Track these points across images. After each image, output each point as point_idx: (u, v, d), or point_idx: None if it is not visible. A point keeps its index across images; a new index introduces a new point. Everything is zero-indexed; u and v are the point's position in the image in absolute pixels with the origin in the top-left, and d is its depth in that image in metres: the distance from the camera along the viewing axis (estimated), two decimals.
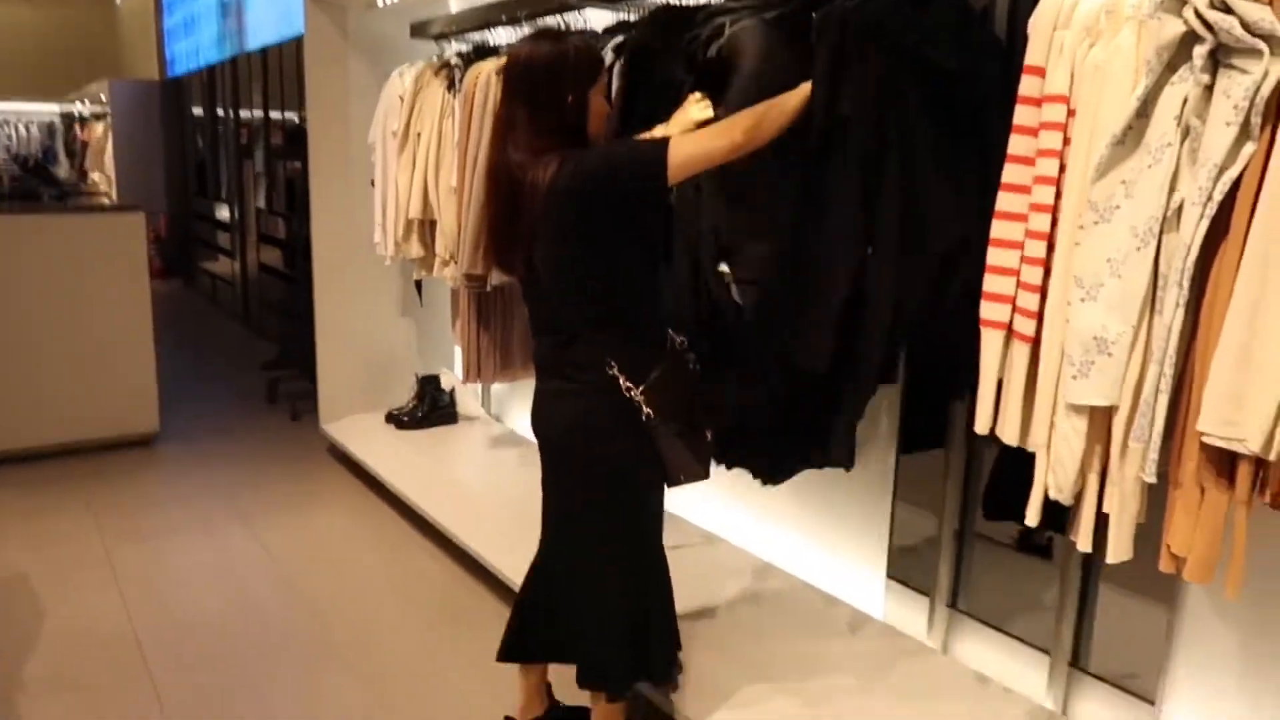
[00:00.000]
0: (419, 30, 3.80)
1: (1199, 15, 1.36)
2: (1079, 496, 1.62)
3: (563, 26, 3.17)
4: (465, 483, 3.61)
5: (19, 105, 11.84)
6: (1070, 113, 1.57)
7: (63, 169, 11.90)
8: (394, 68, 3.78)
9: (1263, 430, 1.35)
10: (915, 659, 2.33)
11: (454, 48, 3.88)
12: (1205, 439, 1.40)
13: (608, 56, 2.48)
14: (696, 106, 2.03)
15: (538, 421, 2.05)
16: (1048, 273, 1.61)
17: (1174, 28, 1.39)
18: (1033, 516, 1.67)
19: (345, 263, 4.19)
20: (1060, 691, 2.14)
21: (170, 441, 4.47)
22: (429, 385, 4.12)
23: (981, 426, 1.72)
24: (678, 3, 2.49)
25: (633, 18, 2.88)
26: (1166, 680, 1.97)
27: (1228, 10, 1.33)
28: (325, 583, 3.10)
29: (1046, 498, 1.65)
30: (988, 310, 1.69)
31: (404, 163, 3.57)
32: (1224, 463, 1.44)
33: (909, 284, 1.92)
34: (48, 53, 11.74)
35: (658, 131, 2.03)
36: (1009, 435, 1.68)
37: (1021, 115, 1.63)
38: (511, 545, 2.94)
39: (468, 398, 4.27)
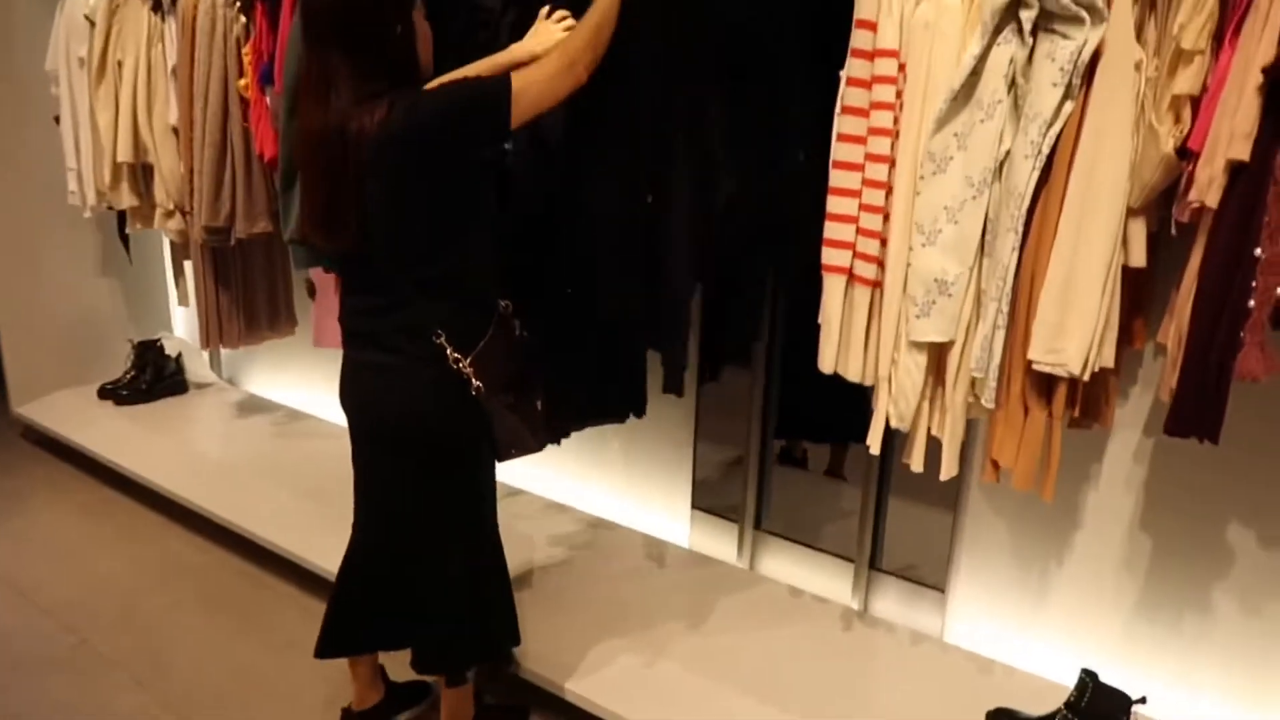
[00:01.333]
0: None
1: None
2: (912, 423, 1.78)
3: None
4: (214, 457, 3.25)
5: None
6: (901, 67, 1.67)
7: None
8: None
9: (1080, 355, 1.56)
10: (731, 581, 2.47)
11: None
12: (1035, 366, 1.59)
13: None
14: (559, 26, 1.83)
15: (353, 396, 1.86)
16: (886, 219, 1.72)
17: None
18: (874, 444, 1.81)
19: (25, 214, 3.53)
20: (863, 593, 2.38)
21: None
22: (149, 352, 3.63)
23: (826, 365, 1.82)
24: None
25: None
26: (953, 570, 2.25)
27: None
28: (70, 592, 2.69)
29: (887, 426, 1.79)
30: (829, 256, 1.78)
31: (104, 97, 3.06)
32: (1044, 386, 1.64)
33: (694, 231, 1.97)
34: None
35: (501, 60, 1.81)
36: (852, 372, 1.79)
37: (854, 68, 1.71)
38: (288, 520, 2.74)
39: (195, 362, 3.82)
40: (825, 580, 2.45)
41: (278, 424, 3.46)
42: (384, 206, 1.67)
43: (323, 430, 3.37)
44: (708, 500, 2.66)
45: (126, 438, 3.34)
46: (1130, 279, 1.60)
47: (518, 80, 1.65)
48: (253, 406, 3.65)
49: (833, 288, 1.78)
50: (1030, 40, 1.52)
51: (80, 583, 2.74)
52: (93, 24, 3.04)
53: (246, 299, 3.18)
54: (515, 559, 2.47)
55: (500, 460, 1.89)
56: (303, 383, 3.56)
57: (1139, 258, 1.57)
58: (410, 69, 1.70)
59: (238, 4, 2.75)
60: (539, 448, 1.91)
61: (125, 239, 3.47)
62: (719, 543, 2.63)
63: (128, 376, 3.63)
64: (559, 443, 2.22)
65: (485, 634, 1.99)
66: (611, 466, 2.80)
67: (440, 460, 1.83)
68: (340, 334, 1.84)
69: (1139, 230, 1.56)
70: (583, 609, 2.32)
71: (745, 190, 2.01)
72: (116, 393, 3.60)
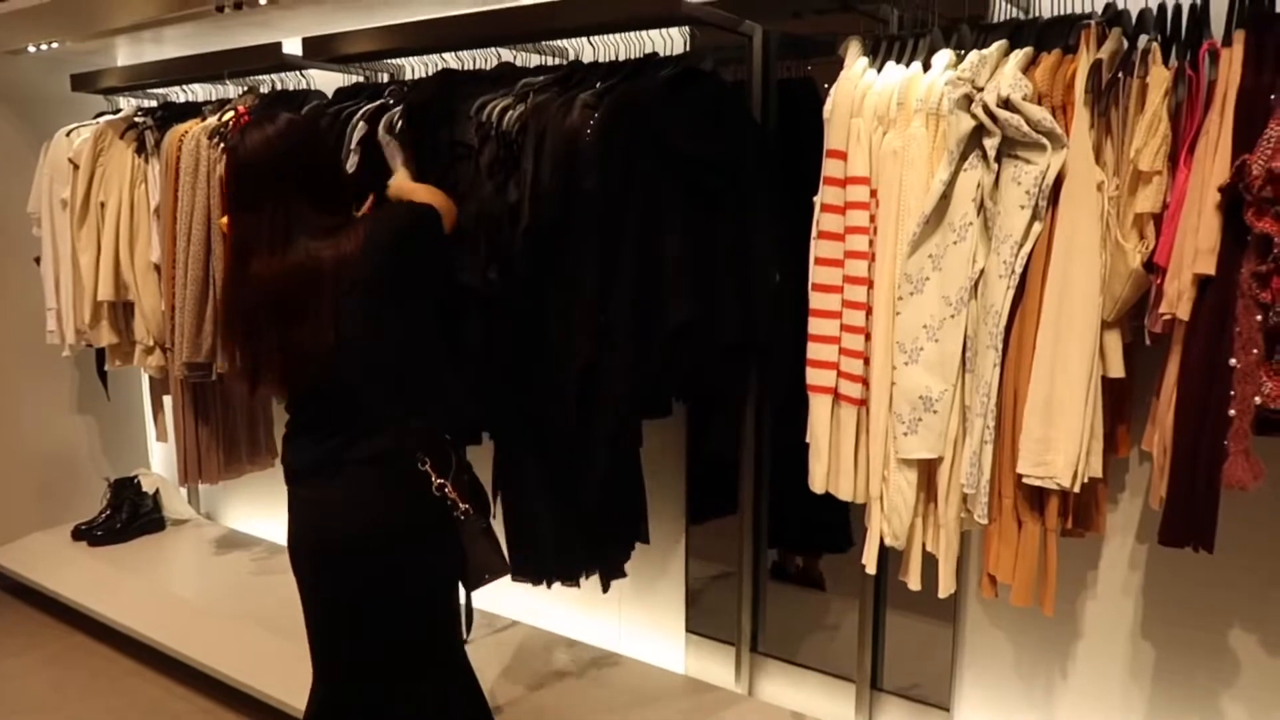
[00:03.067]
0: (84, 83, 3.31)
1: (988, 111, 1.56)
2: (908, 541, 1.77)
3: (275, 87, 2.94)
4: (191, 598, 3.16)
5: None
6: (873, 193, 1.72)
7: None
8: (53, 124, 3.27)
9: (1069, 467, 1.57)
10: (731, 708, 2.40)
11: (129, 104, 3.44)
12: (1025, 480, 1.60)
13: (359, 126, 2.34)
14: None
15: (312, 536, 1.79)
16: (868, 339, 1.74)
17: (966, 123, 1.58)
18: (870, 564, 1.80)
19: (4, 353, 3.52)
20: (866, 716, 2.32)
21: None
22: (126, 490, 3.56)
23: (817, 485, 1.82)
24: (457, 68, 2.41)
25: (368, 78, 2.75)
26: (956, 687, 2.21)
27: (1013, 109, 1.54)
28: None
29: (882, 544, 1.78)
30: (813, 376, 1.79)
31: (86, 237, 3.08)
32: (1036, 498, 1.64)
33: (641, 355, 1.96)
34: None
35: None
36: (844, 491, 1.79)
37: (828, 195, 1.76)
38: (269, 663, 2.64)
39: (173, 498, 3.75)
40: (827, 702, 2.39)
41: (257, 559, 3.38)
42: (362, 326, 1.70)
43: None
44: (702, 623, 2.61)
45: (100, 581, 3.24)
46: (1110, 388, 1.62)
47: (435, 201, 1.88)
48: (231, 542, 3.57)
49: (819, 407, 1.80)
50: (995, 166, 1.58)
51: None
52: (76, 167, 3.09)
53: (226, 433, 3.13)
54: (508, 692, 2.42)
55: (471, 588, 1.87)
56: (282, 515, 3.49)
57: (1117, 368, 1.60)
58: (350, 202, 1.84)
59: (221, 145, 2.81)
60: (507, 569, 1.92)
61: (104, 376, 3.45)
62: (716, 666, 2.56)
63: (103, 516, 3.55)
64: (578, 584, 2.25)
65: None
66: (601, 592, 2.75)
67: (419, 593, 1.80)
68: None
69: (1115, 342, 1.60)
70: None
71: (710, 312, 2.01)
72: (91, 533, 3.51)
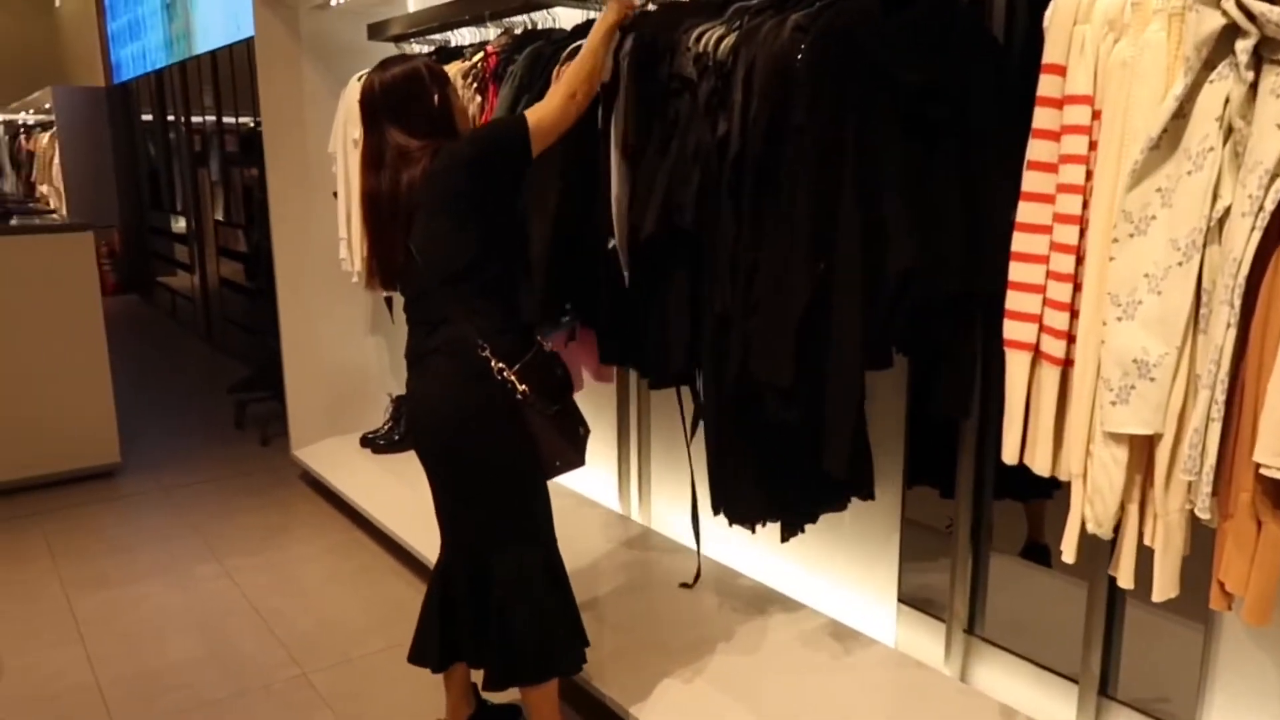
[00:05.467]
0: (376, 31, 3.61)
1: (1241, 6, 1.23)
2: (1118, 528, 1.50)
3: (529, 25, 3.02)
4: None
5: None
6: (1095, 114, 1.44)
7: (8, 182, 11.53)
8: (351, 71, 3.61)
9: None
10: (934, 690, 2.21)
11: (414, 50, 3.71)
12: (1263, 470, 1.28)
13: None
14: None
15: (413, 420, 2.09)
16: (1077, 289, 1.48)
17: (1213, 21, 1.26)
18: (1069, 553, 1.55)
19: (309, 277, 4.00)
20: None
21: (133, 473, 4.27)
22: (404, 405, 3.95)
23: (1009, 455, 1.59)
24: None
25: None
26: (1203, 707, 1.87)
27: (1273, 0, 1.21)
28: (305, 624, 2.93)
29: (1083, 530, 1.53)
30: (1012, 330, 1.56)
31: None
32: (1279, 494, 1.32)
33: (867, 306, 1.82)
34: None
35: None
36: (1040, 465, 1.55)
37: (1041, 118, 1.50)
38: None
39: None
40: (1046, 701, 2.13)
41: None
42: (429, 231, 1.93)
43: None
44: (915, 592, 2.41)
45: (376, 484, 3.63)
46: None
47: (532, 117, 1.98)
48: None
49: (1016, 366, 1.56)
50: (1249, 74, 1.25)
51: (315, 617, 2.98)
52: None
53: None
54: (706, 634, 2.39)
55: (547, 476, 2.04)
56: None
57: None
58: (449, 129, 2.00)
59: (475, 85, 2.95)
60: (581, 461, 2.05)
61: (388, 300, 3.82)
62: (928, 642, 2.37)
63: (385, 427, 3.96)
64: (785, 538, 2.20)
65: (545, 646, 2.03)
66: (811, 544, 2.63)
67: (490, 467, 1.98)
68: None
69: None
70: (758, 693, 2.17)
71: (933, 258, 1.82)
72: (374, 442, 3.93)
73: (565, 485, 3.47)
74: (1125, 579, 1.51)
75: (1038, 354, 1.53)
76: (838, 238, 1.81)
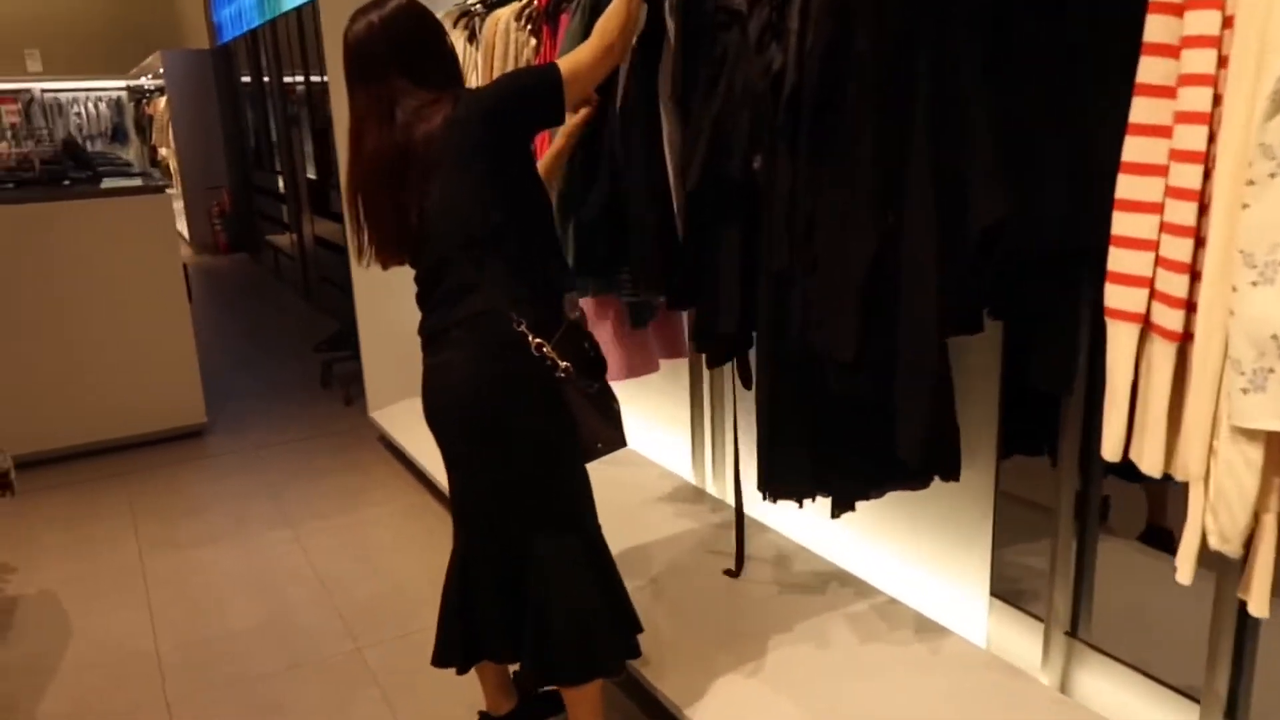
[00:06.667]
0: None
1: None
2: (1250, 543, 1.21)
3: None
4: None
5: (84, 84, 11.88)
6: (1226, 22, 1.13)
7: (132, 148, 12.00)
8: None
9: None
10: (1027, 700, 1.94)
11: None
12: None
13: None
14: None
15: (433, 398, 1.83)
16: (1200, 245, 1.18)
17: None
18: (1185, 573, 1.26)
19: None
20: None
21: (219, 432, 4.31)
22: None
23: (1110, 451, 1.30)
24: None
25: None
26: None
27: None
28: (366, 594, 2.86)
29: (1204, 544, 1.24)
30: (1115, 296, 1.27)
31: None
32: None
33: (946, 260, 1.56)
34: (111, 27, 11.70)
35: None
36: (1149, 463, 1.26)
37: (1154, 28, 1.19)
38: None
39: None
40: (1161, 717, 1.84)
41: None
42: (451, 189, 1.71)
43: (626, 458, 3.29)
44: (1011, 582, 2.14)
45: None
46: None
47: (565, 66, 1.78)
48: None
49: (1120, 341, 1.27)
50: None
51: (376, 586, 2.90)
52: None
53: None
54: (774, 618, 2.18)
55: (587, 459, 1.86)
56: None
57: None
58: (458, 78, 1.83)
59: (529, 26, 2.74)
60: (623, 440, 1.87)
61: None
62: (1024, 643, 2.10)
63: None
64: (839, 514, 1.98)
65: (586, 644, 1.84)
66: (892, 521, 2.37)
67: (524, 451, 1.79)
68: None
69: None
70: (831, 695, 1.95)
71: (1027, 209, 1.53)
72: None
73: (637, 451, 3.29)
74: (1259, 606, 1.22)
75: (1148, 326, 1.24)
76: (909, 184, 1.55)
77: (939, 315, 1.60)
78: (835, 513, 1.94)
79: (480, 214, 1.73)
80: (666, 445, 3.22)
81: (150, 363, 4.04)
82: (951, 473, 1.87)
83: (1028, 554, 2.14)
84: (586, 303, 2.82)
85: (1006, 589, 2.14)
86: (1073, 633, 2.00)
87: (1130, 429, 1.28)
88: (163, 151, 10.49)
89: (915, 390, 1.62)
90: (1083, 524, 1.95)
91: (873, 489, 1.90)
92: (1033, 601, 2.09)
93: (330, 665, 2.51)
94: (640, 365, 2.66)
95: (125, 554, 3.18)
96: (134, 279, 3.95)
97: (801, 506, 1.96)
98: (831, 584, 2.39)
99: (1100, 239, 1.35)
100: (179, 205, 9.18)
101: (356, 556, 3.10)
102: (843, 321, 1.66)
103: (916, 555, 2.32)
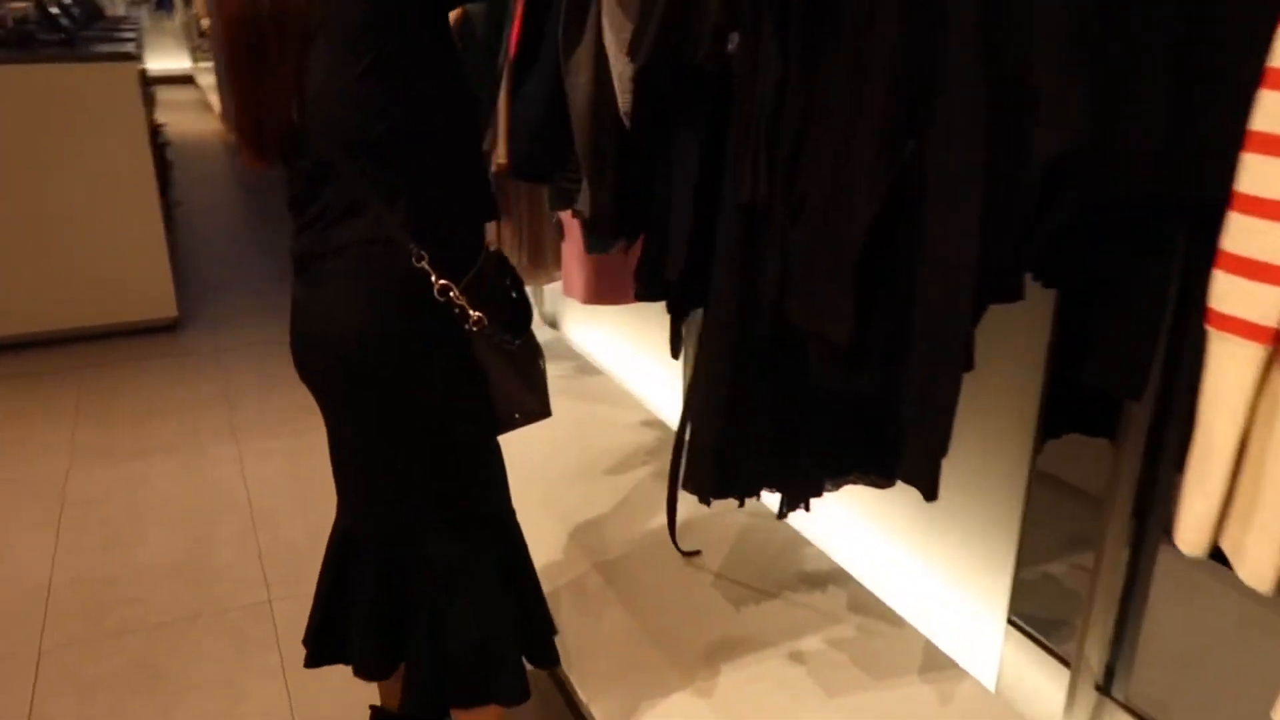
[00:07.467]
0: None
1: None
2: None
3: None
4: None
5: None
6: None
7: (178, 15, 11.60)
8: None
9: None
10: None
11: None
12: None
13: None
14: None
15: (301, 344, 1.40)
16: None
17: None
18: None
19: None
20: None
21: (193, 328, 3.99)
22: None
23: (1190, 541, 0.84)
24: None
25: None
26: None
27: None
28: (294, 535, 2.53)
29: None
30: (1228, 294, 0.79)
31: None
32: None
33: (993, 208, 1.09)
34: None
35: None
36: (1254, 569, 0.80)
37: None
38: (558, 508, 2.26)
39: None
40: None
41: (564, 377, 3.04)
42: (334, 75, 1.28)
43: (608, 394, 2.88)
44: (1032, 611, 1.71)
45: None
46: None
47: None
48: (550, 353, 3.27)
49: (1228, 363, 0.80)
50: None
51: (306, 526, 2.58)
52: None
53: (531, 235, 2.77)
54: (721, 632, 1.79)
55: (502, 430, 1.47)
56: (616, 334, 3.10)
57: None
58: None
59: None
60: (547, 410, 1.48)
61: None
62: (1042, 685, 1.68)
63: None
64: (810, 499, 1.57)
65: (484, 669, 1.48)
66: (908, 530, 1.95)
67: (417, 420, 1.39)
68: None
69: None
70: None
71: (1107, 139, 1.04)
72: None
73: (620, 384, 2.87)
74: None
75: (1278, 348, 0.77)
76: (946, 90, 1.06)
77: (976, 284, 1.14)
78: (783, 512, 1.53)
79: (364, 111, 1.29)
80: (655, 380, 2.80)
81: (114, 249, 3.70)
82: (928, 490, 1.41)
83: (1059, 564, 1.71)
84: None
85: (1028, 614, 1.71)
86: (1105, 689, 1.57)
87: (1228, 502, 0.82)
88: (204, 22, 10.06)
89: (935, 388, 1.17)
90: (1140, 532, 1.49)
91: (831, 481, 1.48)
92: (1059, 631, 1.66)
93: (233, 619, 2.19)
94: (609, 291, 2.22)
95: (53, 463, 2.89)
96: (97, 155, 3.57)
97: (742, 505, 1.55)
98: (823, 586, 1.98)
99: (1214, 188, 0.87)
100: (212, 80, 8.79)
101: (295, 489, 2.77)
102: (835, 286, 1.20)
103: (925, 555, 1.89)
